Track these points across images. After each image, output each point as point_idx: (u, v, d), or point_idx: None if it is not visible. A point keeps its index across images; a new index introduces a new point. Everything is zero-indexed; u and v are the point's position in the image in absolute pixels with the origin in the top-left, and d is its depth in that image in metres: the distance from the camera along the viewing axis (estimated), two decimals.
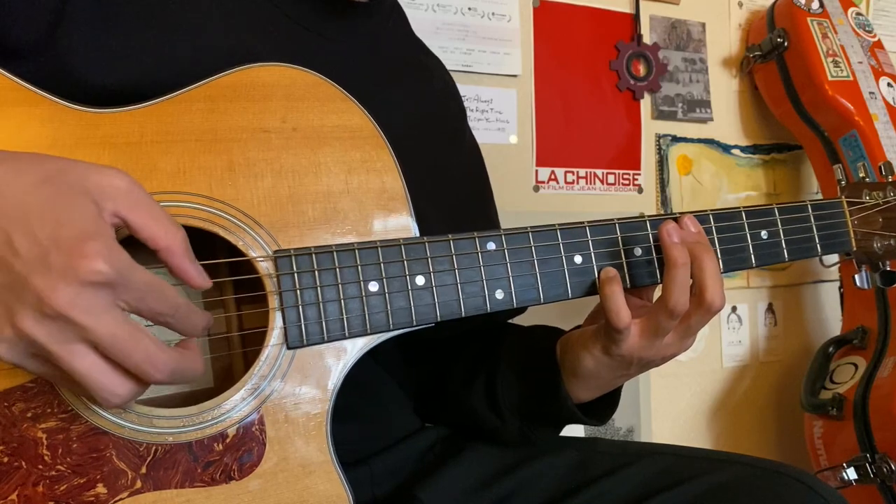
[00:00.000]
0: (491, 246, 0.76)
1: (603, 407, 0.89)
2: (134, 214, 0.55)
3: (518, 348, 0.92)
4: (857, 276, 1.01)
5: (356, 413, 0.85)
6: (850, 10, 1.79)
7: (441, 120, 1.00)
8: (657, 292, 0.81)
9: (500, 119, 1.59)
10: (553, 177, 1.64)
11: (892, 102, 1.71)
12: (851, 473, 1.50)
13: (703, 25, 1.82)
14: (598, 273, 0.79)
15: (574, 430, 1.63)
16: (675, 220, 0.81)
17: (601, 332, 0.80)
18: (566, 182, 1.65)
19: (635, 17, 1.72)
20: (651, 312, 0.78)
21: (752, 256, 0.87)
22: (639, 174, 1.73)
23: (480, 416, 0.92)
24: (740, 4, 1.86)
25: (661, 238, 0.78)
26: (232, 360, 0.76)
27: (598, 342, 0.81)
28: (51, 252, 0.50)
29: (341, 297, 0.69)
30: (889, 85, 1.74)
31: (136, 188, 0.55)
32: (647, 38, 1.74)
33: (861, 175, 1.01)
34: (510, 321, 1.02)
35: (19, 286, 0.50)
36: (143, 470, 0.62)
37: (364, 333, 0.70)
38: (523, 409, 0.90)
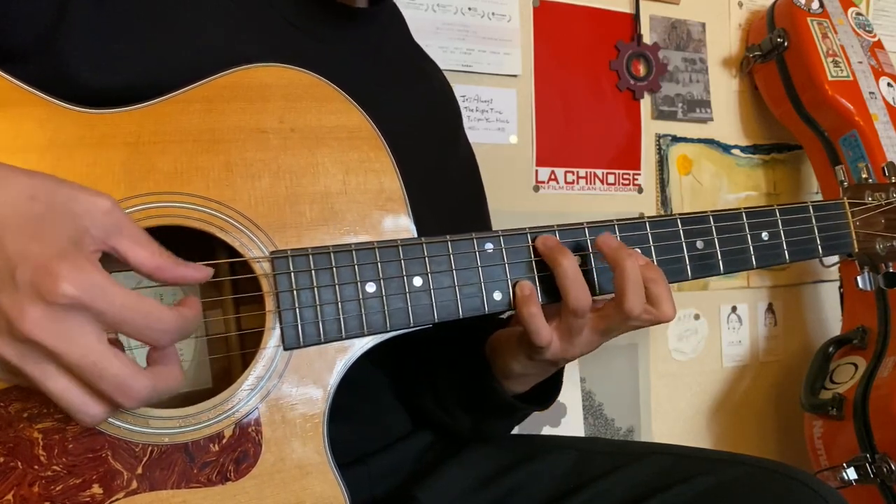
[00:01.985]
0: (489, 247, 0.76)
1: (543, 391, 0.89)
2: (121, 241, 0.54)
3: (454, 346, 0.93)
4: (859, 278, 1.01)
5: (353, 413, 0.85)
6: (850, 10, 1.79)
7: (438, 123, 1.00)
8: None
9: (500, 119, 1.58)
10: (553, 177, 1.64)
11: (892, 102, 1.71)
12: (851, 473, 1.50)
13: (703, 25, 1.81)
14: (513, 288, 0.77)
15: (574, 430, 1.63)
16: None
17: (525, 341, 0.80)
18: (566, 182, 1.65)
19: (635, 17, 1.72)
20: (562, 316, 0.77)
21: (753, 257, 0.87)
22: (639, 174, 1.73)
23: (433, 416, 0.94)
24: (740, 4, 1.86)
25: (539, 248, 0.77)
26: (230, 360, 0.76)
27: (523, 350, 0.81)
28: (18, 267, 0.49)
29: (338, 298, 0.69)
30: (889, 85, 1.73)
31: (118, 212, 0.55)
32: (647, 38, 1.74)
33: (863, 176, 1.00)
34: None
35: None
36: (139, 470, 0.62)
37: (361, 334, 0.70)
38: (466, 406, 0.91)
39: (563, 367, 0.89)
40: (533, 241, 0.78)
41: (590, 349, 0.81)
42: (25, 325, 0.49)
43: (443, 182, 0.95)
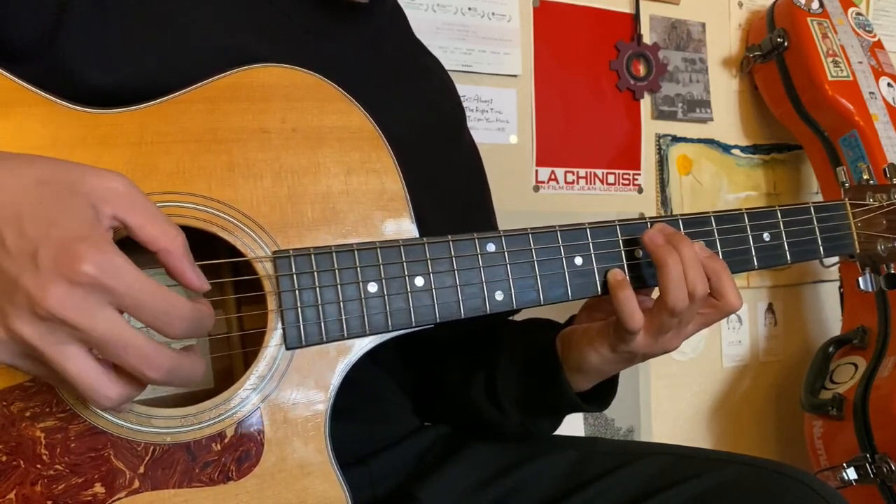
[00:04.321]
0: (491, 247, 0.76)
1: (602, 393, 0.89)
2: (132, 216, 0.54)
3: (517, 342, 0.93)
4: (860, 279, 1.01)
5: (355, 413, 0.85)
6: (850, 10, 1.79)
7: (441, 121, 1.00)
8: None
9: (500, 119, 1.59)
10: (553, 177, 1.64)
11: (892, 102, 1.71)
12: (851, 473, 1.50)
13: (703, 25, 1.82)
14: (605, 275, 0.80)
15: (574, 430, 1.63)
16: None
17: (609, 331, 0.81)
18: (566, 182, 1.65)
19: (635, 17, 1.72)
20: (653, 312, 0.79)
21: (755, 258, 0.87)
22: (639, 174, 1.73)
23: (481, 409, 0.93)
24: (740, 4, 1.86)
25: (646, 244, 0.79)
26: (232, 360, 0.76)
27: (605, 340, 0.81)
28: (39, 250, 0.49)
29: (340, 298, 0.69)
30: (889, 85, 1.73)
31: (133, 190, 0.55)
32: (647, 38, 1.74)
33: (864, 177, 1.00)
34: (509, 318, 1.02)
35: (10, 286, 0.50)
36: (142, 470, 0.62)
37: (363, 334, 0.70)
38: (524, 401, 0.90)
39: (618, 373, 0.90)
40: (639, 233, 0.81)
41: (659, 354, 0.82)
42: (49, 302, 0.49)
43: (446, 180, 0.95)
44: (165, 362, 0.54)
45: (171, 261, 0.56)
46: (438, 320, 0.73)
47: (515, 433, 0.93)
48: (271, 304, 0.67)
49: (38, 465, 0.60)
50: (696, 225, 0.85)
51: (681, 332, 0.81)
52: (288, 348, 0.68)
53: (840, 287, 1.82)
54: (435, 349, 0.99)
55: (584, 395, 0.88)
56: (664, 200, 1.75)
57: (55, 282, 0.49)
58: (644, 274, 0.82)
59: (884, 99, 1.70)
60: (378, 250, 0.71)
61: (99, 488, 0.61)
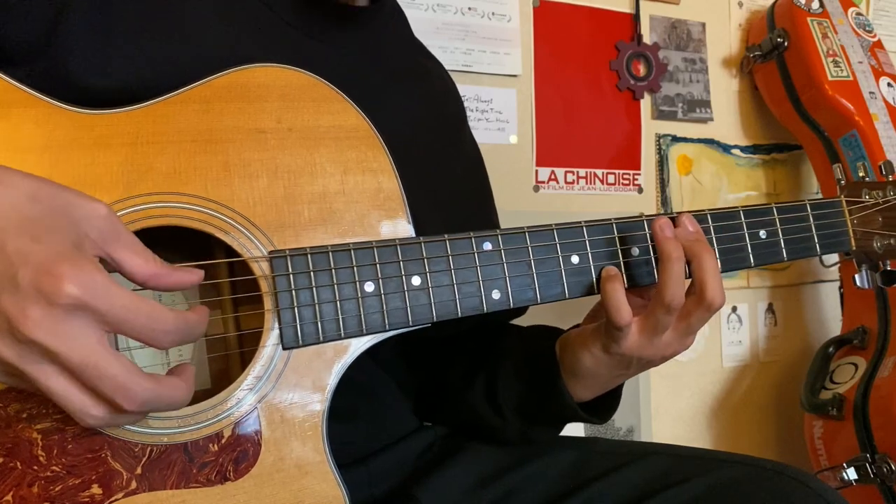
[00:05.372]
0: (487, 246, 0.76)
1: (604, 405, 0.89)
2: (116, 249, 0.54)
3: (518, 348, 0.92)
4: (857, 276, 1.01)
5: (354, 413, 0.85)
6: (850, 10, 1.79)
7: (441, 122, 1.00)
8: None
9: (500, 119, 1.59)
10: (553, 177, 1.64)
11: (892, 102, 1.71)
12: (851, 473, 1.50)
13: (703, 25, 1.81)
14: (599, 273, 0.79)
15: (574, 430, 1.63)
16: (673, 219, 0.81)
17: (601, 330, 0.80)
18: (566, 182, 1.65)
19: (635, 17, 1.72)
20: (649, 309, 0.78)
21: (751, 256, 0.87)
22: (639, 174, 1.73)
23: (481, 416, 0.92)
24: (740, 4, 1.86)
25: (655, 233, 0.79)
26: (229, 360, 0.76)
27: (598, 341, 0.81)
28: (20, 268, 0.49)
29: (337, 297, 0.69)
30: (889, 85, 1.73)
31: (115, 219, 0.55)
32: (647, 38, 1.74)
33: (861, 174, 1.00)
34: (511, 322, 1.02)
35: None
36: (139, 471, 0.62)
37: (360, 334, 0.70)
38: (524, 409, 0.90)
39: (622, 385, 0.88)
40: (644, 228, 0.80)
41: (658, 362, 0.81)
42: (27, 326, 0.49)
43: (446, 180, 0.95)
44: (141, 395, 0.53)
45: (163, 282, 0.56)
46: (435, 319, 0.73)
47: (514, 440, 0.93)
48: (268, 304, 0.67)
49: (35, 467, 0.59)
50: None
51: (682, 332, 0.80)
52: (285, 348, 0.68)
53: (840, 287, 1.82)
54: (435, 349, 0.99)
55: (585, 406, 0.87)
56: (664, 200, 1.75)
57: (34, 304, 0.49)
58: (639, 272, 0.82)
59: (884, 99, 1.70)
60: (374, 250, 0.71)
61: (96, 489, 0.61)
